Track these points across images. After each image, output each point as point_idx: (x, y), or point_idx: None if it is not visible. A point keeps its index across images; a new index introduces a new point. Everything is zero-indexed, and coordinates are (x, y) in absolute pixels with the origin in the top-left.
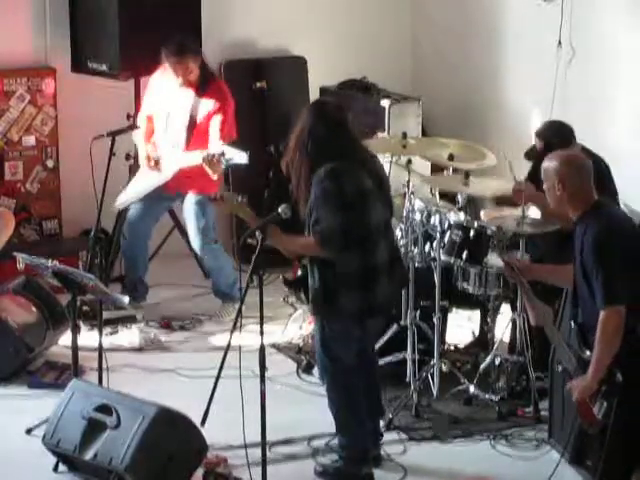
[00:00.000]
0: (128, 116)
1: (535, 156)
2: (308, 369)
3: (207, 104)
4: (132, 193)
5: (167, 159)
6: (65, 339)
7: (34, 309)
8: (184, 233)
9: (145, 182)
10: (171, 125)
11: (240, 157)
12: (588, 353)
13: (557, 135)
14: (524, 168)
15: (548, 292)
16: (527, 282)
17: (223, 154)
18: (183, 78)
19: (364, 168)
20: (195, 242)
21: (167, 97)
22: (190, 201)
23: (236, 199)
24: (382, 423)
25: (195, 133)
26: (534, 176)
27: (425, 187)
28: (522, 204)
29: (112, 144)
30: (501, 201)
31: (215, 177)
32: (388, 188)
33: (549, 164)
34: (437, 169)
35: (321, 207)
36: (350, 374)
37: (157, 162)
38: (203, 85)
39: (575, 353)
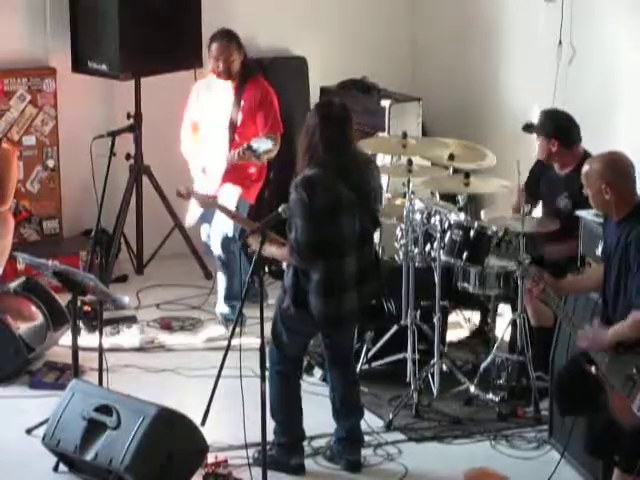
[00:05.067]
0: (128, 116)
1: (533, 130)
2: (308, 369)
3: (248, 100)
4: (195, 209)
5: (213, 165)
6: (65, 339)
7: (34, 309)
8: (184, 233)
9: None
10: (214, 130)
11: (265, 144)
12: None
13: (567, 123)
14: (524, 167)
15: None
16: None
17: (249, 147)
18: (224, 66)
19: (345, 179)
20: (218, 238)
21: (207, 103)
22: (230, 199)
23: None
24: (381, 426)
25: (239, 132)
26: (535, 177)
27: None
28: (522, 203)
29: (112, 144)
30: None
31: (252, 170)
32: (373, 199)
33: (592, 168)
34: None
35: (294, 215)
36: (289, 362)
37: (204, 170)
38: (243, 82)
39: (606, 352)
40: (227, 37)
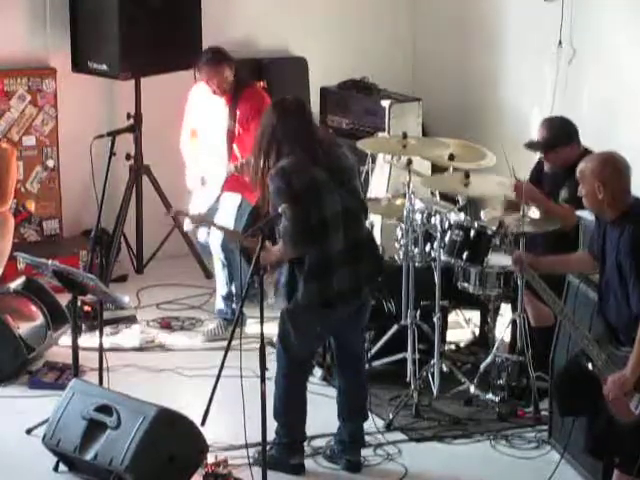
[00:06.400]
0: (128, 116)
1: (539, 147)
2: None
3: (244, 110)
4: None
5: (212, 174)
6: (65, 339)
7: (34, 309)
8: (184, 233)
9: (202, 202)
10: (212, 138)
11: None
12: (624, 349)
13: (564, 128)
14: (524, 168)
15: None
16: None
17: (249, 162)
18: (219, 87)
19: (316, 162)
20: (217, 239)
21: (205, 111)
22: (232, 201)
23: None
24: (381, 426)
25: (238, 141)
26: (537, 176)
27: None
28: (522, 201)
29: (112, 144)
30: (510, 206)
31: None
32: (349, 176)
33: (586, 167)
34: (437, 169)
35: (278, 205)
36: (296, 365)
37: (203, 181)
38: (237, 92)
39: (603, 348)
40: (215, 58)
